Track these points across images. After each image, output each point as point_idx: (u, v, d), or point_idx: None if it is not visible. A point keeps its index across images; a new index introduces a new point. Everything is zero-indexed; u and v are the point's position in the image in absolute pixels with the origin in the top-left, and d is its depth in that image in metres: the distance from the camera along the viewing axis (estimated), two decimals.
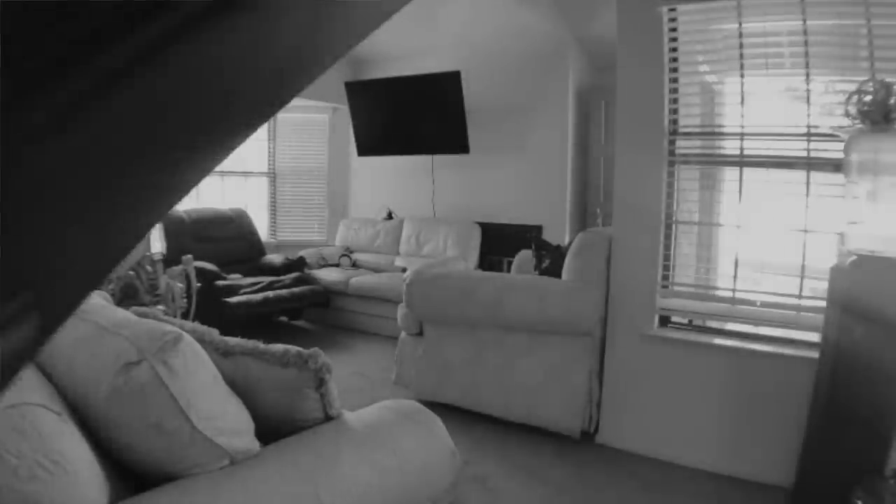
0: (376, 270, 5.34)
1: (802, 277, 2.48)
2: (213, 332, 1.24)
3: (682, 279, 2.77)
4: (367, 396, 2.84)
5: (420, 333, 3.22)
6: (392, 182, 5.91)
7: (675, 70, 2.62)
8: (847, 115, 1.93)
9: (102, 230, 0.32)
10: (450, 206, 5.48)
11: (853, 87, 1.93)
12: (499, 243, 5.09)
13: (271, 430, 1.14)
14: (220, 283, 4.43)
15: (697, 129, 2.72)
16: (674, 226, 2.69)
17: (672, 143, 2.65)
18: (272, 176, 6.14)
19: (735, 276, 2.59)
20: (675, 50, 2.60)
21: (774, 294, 2.57)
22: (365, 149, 5.67)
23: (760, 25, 2.50)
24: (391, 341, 3.93)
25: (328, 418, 1.21)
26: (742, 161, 2.59)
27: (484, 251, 5.13)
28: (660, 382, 2.65)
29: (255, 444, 1.07)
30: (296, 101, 5.89)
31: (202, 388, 0.99)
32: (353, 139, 5.78)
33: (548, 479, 2.40)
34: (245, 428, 1.05)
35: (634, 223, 2.68)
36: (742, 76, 2.51)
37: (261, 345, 1.19)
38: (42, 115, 0.27)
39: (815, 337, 2.37)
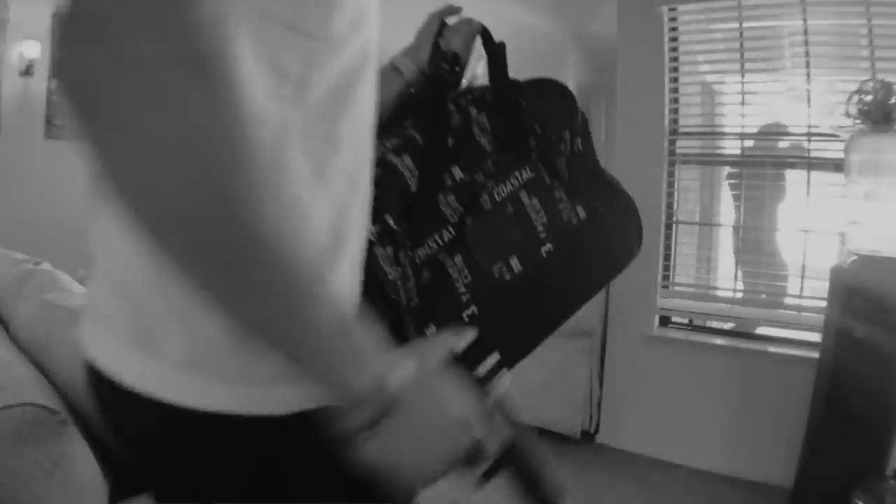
0: None
1: (803, 277, 2.48)
2: None
3: (683, 279, 2.77)
4: None
5: None
6: None
7: (675, 70, 2.62)
8: (847, 114, 1.92)
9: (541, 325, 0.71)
10: None
11: (853, 86, 1.93)
12: None
13: None
14: None
15: (697, 129, 2.72)
16: (674, 226, 2.69)
17: (672, 143, 2.65)
18: None
19: (735, 277, 2.60)
20: (675, 50, 2.60)
21: (775, 294, 2.57)
22: None
23: (760, 25, 2.50)
24: None
25: None
26: (742, 161, 2.59)
27: None
28: (660, 382, 2.65)
29: None
30: None
31: None
32: None
33: None
34: None
35: None
36: (742, 76, 2.51)
37: None
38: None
39: (815, 337, 2.36)
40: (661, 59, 2.57)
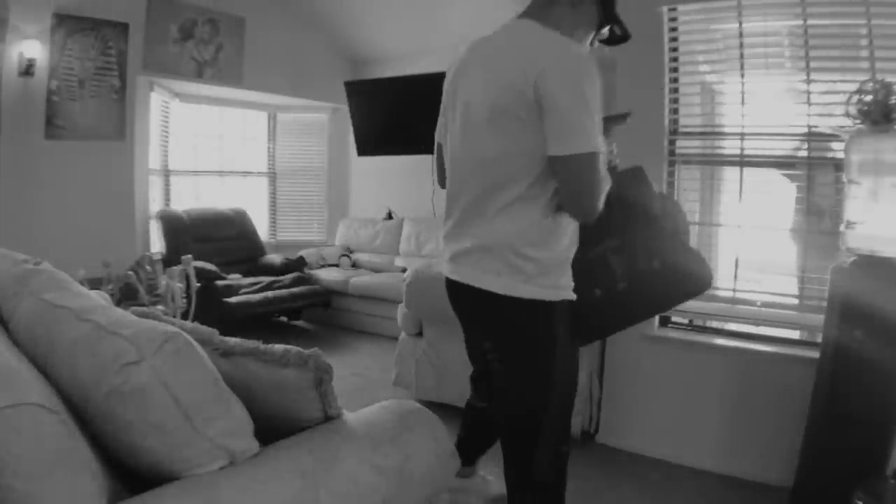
0: (376, 270, 5.33)
1: (803, 277, 2.48)
2: (213, 333, 1.23)
3: None
4: (367, 397, 2.84)
5: (420, 334, 3.21)
6: (392, 182, 5.90)
7: (675, 70, 2.62)
8: (847, 114, 1.93)
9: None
10: None
11: (853, 87, 1.93)
12: None
13: (271, 430, 1.13)
14: (220, 283, 4.42)
15: (698, 129, 2.72)
16: None
17: (672, 143, 2.65)
18: (272, 176, 6.14)
19: (735, 276, 2.59)
20: (675, 50, 2.60)
21: (775, 294, 2.57)
22: (365, 149, 5.66)
23: (760, 25, 2.50)
24: (391, 341, 3.93)
25: (328, 418, 1.20)
26: (742, 161, 2.58)
27: None
28: (660, 382, 2.65)
29: (255, 444, 1.06)
30: (295, 101, 5.89)
31: (202, 388, 0.99)
32: (353, 139, 5.77)
33: None
34: (245, 428, 1.05)
35: None
36: (742, 76, 2.51)
37: (261, 345, 1.19)
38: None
39: (815, 337, 2.36)
40: (661, 59, 2.57)
